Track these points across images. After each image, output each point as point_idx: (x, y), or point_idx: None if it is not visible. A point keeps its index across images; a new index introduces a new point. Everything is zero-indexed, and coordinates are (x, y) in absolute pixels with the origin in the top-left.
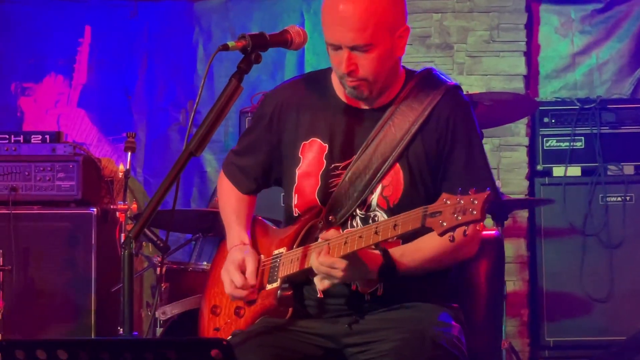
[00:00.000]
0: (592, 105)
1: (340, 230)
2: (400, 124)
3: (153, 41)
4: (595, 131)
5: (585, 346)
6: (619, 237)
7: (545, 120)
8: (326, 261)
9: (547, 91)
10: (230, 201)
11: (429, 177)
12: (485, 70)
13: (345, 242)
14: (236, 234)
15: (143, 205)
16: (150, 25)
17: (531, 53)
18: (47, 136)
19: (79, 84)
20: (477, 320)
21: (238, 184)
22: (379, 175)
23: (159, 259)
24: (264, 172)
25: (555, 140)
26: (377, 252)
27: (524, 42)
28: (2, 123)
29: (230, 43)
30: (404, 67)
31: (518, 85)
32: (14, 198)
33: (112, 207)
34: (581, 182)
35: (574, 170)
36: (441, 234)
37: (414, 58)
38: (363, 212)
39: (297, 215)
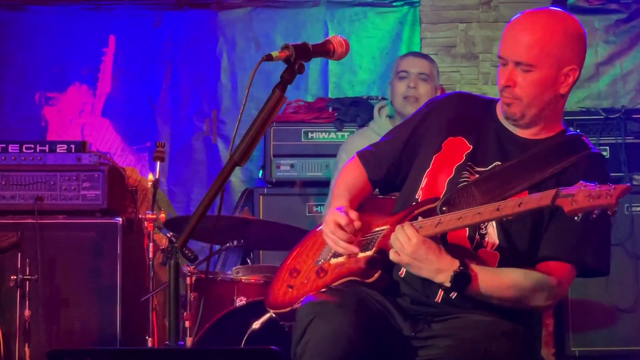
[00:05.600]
0: (617, 115)
1: None
2: (543, 165)
3: (177, 50)
4: (620, 141)
5: (610, 356)
6: None
7: (570, 130)
8: (407, 231)
9: (571, 101)
10: (348, 180)
11: (547, 212)
12: None
13: (460, 218)
14: (341, 202)
15: (167, 215)
16: (174, 35)
17: None
18: (73, 146)
19: (103, 94)
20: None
21: (369, 166)
22: (505, 194)
23: (189, 268)
24: (397, 164)
25: None
26: (456, 259)
27: None
28: (26, 133)
29: (274, 53)
30: (564, 125)
31: None
32: (40, 208)
33: (139, 216)
34: None
35: None
36: (569, 212)
37: (439, 68)
38: None
39: (417, 197)
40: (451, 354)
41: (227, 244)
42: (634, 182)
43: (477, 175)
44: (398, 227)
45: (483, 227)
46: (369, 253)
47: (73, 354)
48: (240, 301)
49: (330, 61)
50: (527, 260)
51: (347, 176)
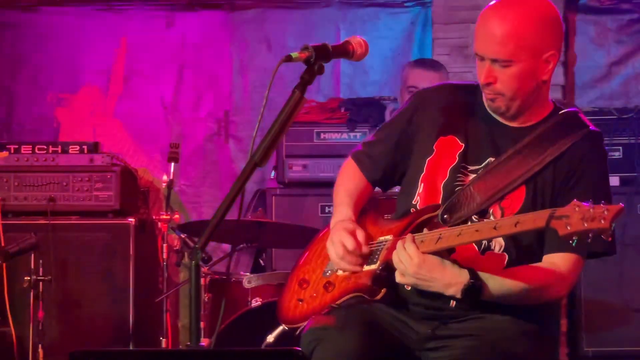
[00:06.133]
0: (630, 114)
1: None
2: (536, 153)
3: (189, 52)
4: (633, 141)
5: (624, 356)
6: None
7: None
8: (408, 250)
9: (584, 101)
10: (347, 185)
11: (549, 202)
12: None
13: (460, 234)
14: (345, 211)
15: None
16: (186, 36)
17: (567, 63)
18: (85, 147)
19: (115, 94)
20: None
21: (365, 168)
22: (503, 192)
23: (203, 269)
24: (393, 162)
25: None
26: (464, 269)
27: (562, 52)
28: (38, 133)
29: (294, 54)
30: (553, 101)
31: (556, 96)
32: (52, 209)
33: (153, 217)
34: (619, 192)
35: (613, 180)
36: (564, 237)
37: (451, 68)
38: (477, 218)
39: (415, 203)
40: (471, 354)
41: (241, 245)
42: None
43: (472, 176)
44: (399, 244)
45: None
46: (373, 267)
47: (96, 355)
48: (256, 302)
49: (342, 61)
50: (535, 258)
51: (346, 180)
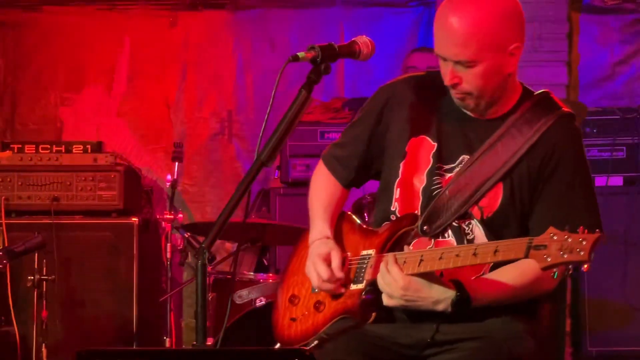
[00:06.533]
0: (634, 114)
1: (432, 241)
2: (509, 145)
3: (193, 51)
4: (636, 141)
5: (628, 356)
6: None
7: (587, 129)
8: (392, 273)
9: (587, 101)
10: (320, 194)
11: (527, 196)
12: (527, 80)
13: (441, 257)
14: (319, 227)
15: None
16: (189, 35)
17: (571, 62)
18: (89, 146)
19: (119, 94)
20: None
21: (337, 173)
22: (479, 193)
23: (208, 268)
24: (365, 162)
25: (596, 150)
26: (449, 283)
27: (566, 52)
28: (42, 133)
29: (301, 54)
30: (522, 83)
31: (559, 95)
32: (56, 208)
33: (157, 216)
34: (623, 192)
35: (616, 180)
36: (544, 269)
37: None
38: (457, 222)
39: (394, 210)
40: (476, 356)
41: (245, 245)
42: None
43: (448, 175)
44: (382, 267)
45: (469, 232)
46: (360, 287)
47: (103, 354)
48: (260, 301)
49: (346, 61)
50: None
51: (319, 190)
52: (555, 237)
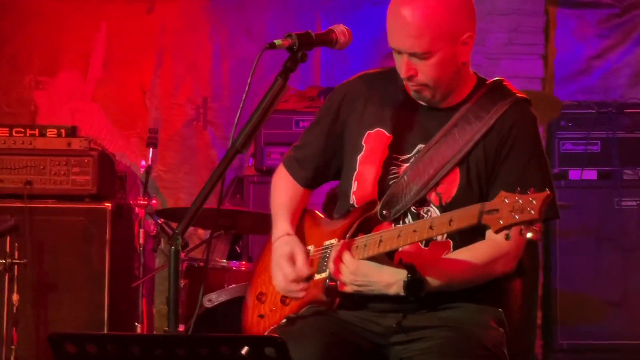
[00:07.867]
0: (609, 109)
1: (393, 226)
2: (465, 131)
3: (169, 37)
4: (611, 135)
5: (598, 350)
6: (634, 241)
7: (562, 123)
8: (344, 260)
9: (563, 95)
10: (280, 196)
11: (485, 179)
12: (503, 72)
13: (399, 235)
14: (280, 226)
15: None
16: (166, 22)
17: (547, 56)
18: (63, 130)
19: (94, 79)
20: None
21: (296, 174)
22: (437, 177)
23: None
24: (323, 162)
25: (571, 144)
26: (400, 265)
27: (543, 45)
28: (16, 116)
29: (277, 41)
30: (475, 73)
31: (535, 88)
32: (29, 192)
33: (131, 202)
34: (597, 186)
35: (590, 174)
36: (497, 232)
37: None
38: (415, 209)
39: (352, 203)
40: (446, 346)
41: (218, 232)
42: (625, 177)
43: (405, 165)
44: (333, 253)
45: (428, 213)
46: (324, 275)
47: (76, 339)
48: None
49: (322, 49)
50: (479, 237)
51: (280, 191)
52: (506, 200)
